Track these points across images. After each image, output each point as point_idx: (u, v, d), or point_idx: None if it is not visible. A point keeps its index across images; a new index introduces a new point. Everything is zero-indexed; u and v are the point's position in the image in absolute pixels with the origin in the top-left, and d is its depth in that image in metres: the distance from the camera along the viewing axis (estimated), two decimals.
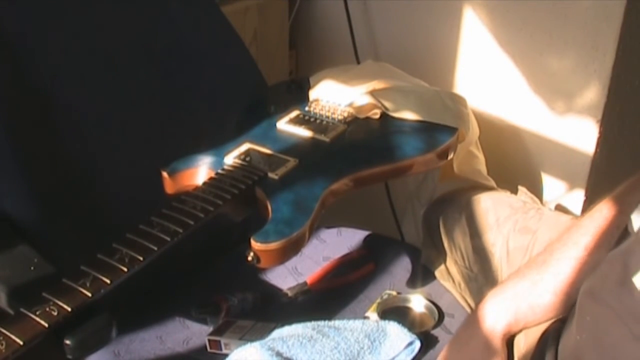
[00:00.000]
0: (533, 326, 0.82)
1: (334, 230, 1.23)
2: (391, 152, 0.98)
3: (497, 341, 0.81)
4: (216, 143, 0.97)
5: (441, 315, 1.04)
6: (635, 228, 0.70)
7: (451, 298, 1.09)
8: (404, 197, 1.53)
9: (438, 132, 1.03)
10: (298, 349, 0.88)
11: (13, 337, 0.61)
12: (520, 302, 0.81)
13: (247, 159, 0.93)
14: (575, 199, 1.36)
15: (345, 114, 1.05)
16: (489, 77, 1.42)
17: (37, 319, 0.63)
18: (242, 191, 0.85)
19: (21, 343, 0.61)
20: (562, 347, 0.72)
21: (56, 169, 0.99)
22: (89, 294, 0.66)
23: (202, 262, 1.13)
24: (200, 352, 0.98)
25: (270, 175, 0.89)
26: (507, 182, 1.23)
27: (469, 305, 1.09)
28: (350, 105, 1.08)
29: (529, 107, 1.38)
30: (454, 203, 1.14)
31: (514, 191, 1.16)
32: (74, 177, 1.01)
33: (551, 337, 0.78)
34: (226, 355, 0.92)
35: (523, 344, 0.88)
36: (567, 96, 1.33)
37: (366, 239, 1.21)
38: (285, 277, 1.12)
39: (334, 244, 1.20)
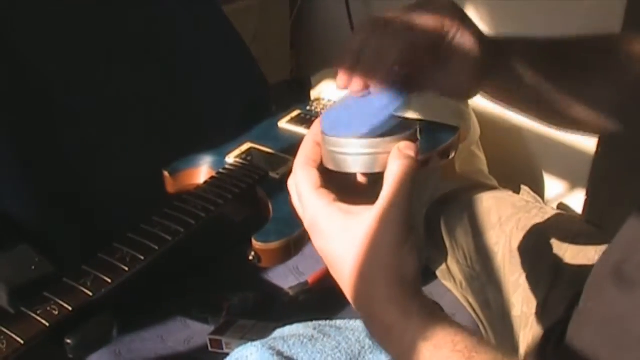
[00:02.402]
0: None
1: None
2: None
3: None
4: (217, 142, 0.97)
5: None
6: None
7: (452, 298, 1.09)
8: None
9: (439, 131, 1.03)
10: (299, 348, 0.88)
11: (14, 336, 0.61)
12: None
13: (248, 158, 0.93)
14: (577, 198, 1.37)
15: None
16: None
17: (38, 318, 0.63)
18: (243, 190, 0.85)
19: (22, 342, 0.61)
20: (568, 333, 0.72)
21: (57, 169, 0.99)
22: (90, 294, 0.66)
23: (203, 261, 1.13)
24: (202, 352, 0.98)
25: (272, 174, 0.89)
26: (508, 182, 1.23)
27: (470, 304, 1.09)
28: None
29: None
30: (456, 202, 1.14)
31: (516, 191, 1.16)
32: (74, 177, 1.01)
33: (554, 335, 0.78)
34: (227, 354, 0.92)
35: (528, 339, 0.88)
36: None
37: None
38: (287, 277, 1.12)
39: None
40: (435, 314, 0.53)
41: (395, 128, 0.58)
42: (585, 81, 0.69)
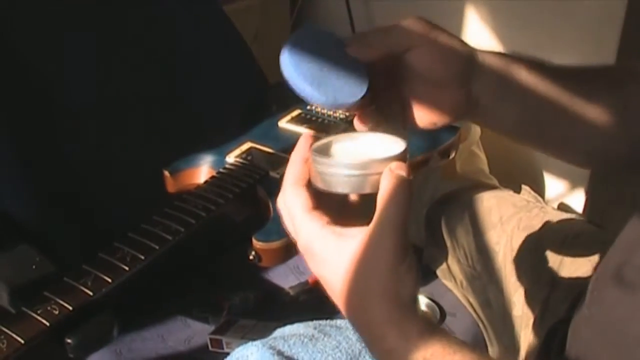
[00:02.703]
0: None
1: None
2: None
3: None
4: (217, 142, 0.97)
5: (443, 314, 1.04)
6: None
7: (453, 297, 1.09)
8: None
9: (440, 131, 1.02)
10: (299, 348, 0.87)
11: (14, 335, 0.61)
12: None
13: (249, 158, 0.93)
14: (577, 198, 1.37)
15: (347, 113, 1.05)
16: None
17: (39, 317, 0.63)
18: (244, 190, 0.85)
19: (22, 342, 0.61)
20: (569, 333, 0.71)
21: (57, 169, 0.99)
22: (91, 293, 0.66)
23: (204, 261, 1.13)
24: (202, 351, 0.98)
25: (272, 174, 0.89)
26: (509, 182, 1.23)
27: (470, 304, 1.08)
28: None
29: None
30: (457, 202, 1.14)
31: (517, 190, 1.16)
32: (74, 177, 1.01)
33: (558, 333, 0.78)
34: (228, 354, 0.92)
35: (529, 339, 0.88)
36: None
37: None
38: (287, 276, 1.12)
39: None
40: (434, 334, 0.52)
41: (384, 146, 0.57)
42: (590, 92, 0.67)
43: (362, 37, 0.63)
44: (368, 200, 0.55)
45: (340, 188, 0.55)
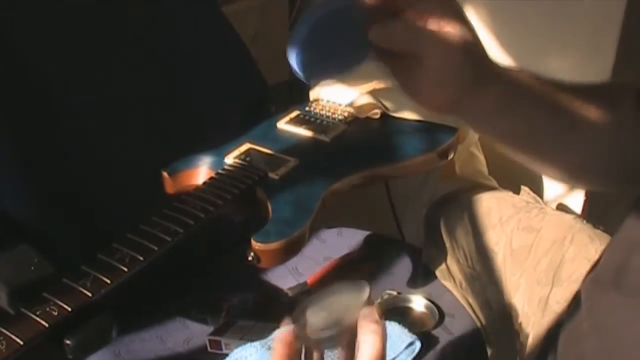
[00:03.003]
0: None
1: (334, 231, 1.23)
2: (392, 152, 0.98)
3: None
4: (216, 143, 0.97)
5: (442, 315, 1.04)
6: None
7: (452, 298, 1.09)
8: (404, 197, 1.53)
9: (438, 131, 1.03)
10: None
11: (13, 337, 0.61)
12: None
13: (248, 159, 0.93)
14: (576, 198, 1.36)
15: (346, 114, 1.05)
16: None
17: (38, 319, 0.63)
18: (243, 191, 0.85)
19: (21, 343, 0.61)
20: (564, 337, 0.71)
21: (57, 169, 0.99)
22: (90, 294, 0.66)
23: (203, 262, 1.13)
24: (201, 352, 0.98)
25: (271, 175, 0.89)
26: (508, 183, 1.23)
27: (469, 305, 1.09)
28: (351, 105, 1.08)
29: None
30: (456, 203, 1.14)
31: (516, 191, 1.16)
32: (74, 177, 1.01)
33: (557, 334, 0.78)
34: (227, 355, 0.92)
35: (529, 341, 0.88)
36: None
37: (366, 239, 1.21)
38: (286, 277, 1.12)
39: (335, 244, 1.20)
40: None
41: (350, 296, 0.61)
42: (585, 104, 0.66)
43: (384, 27, 0.62)
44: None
45: (323, 345, 0.61)
